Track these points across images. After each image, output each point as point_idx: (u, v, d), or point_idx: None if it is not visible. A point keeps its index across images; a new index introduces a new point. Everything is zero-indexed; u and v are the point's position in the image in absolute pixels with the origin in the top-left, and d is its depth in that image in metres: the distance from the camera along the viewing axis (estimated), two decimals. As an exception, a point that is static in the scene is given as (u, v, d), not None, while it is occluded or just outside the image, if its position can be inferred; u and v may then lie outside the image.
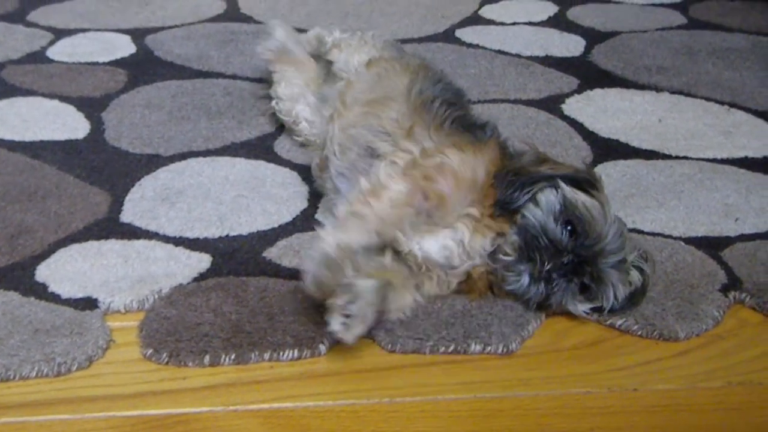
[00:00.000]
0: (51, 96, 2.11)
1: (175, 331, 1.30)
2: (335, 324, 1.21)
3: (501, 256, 1.36)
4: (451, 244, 1.38)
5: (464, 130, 1.50)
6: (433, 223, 1.37)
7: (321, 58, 1.98)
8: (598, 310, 1.35)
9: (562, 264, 1.32)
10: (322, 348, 1.29)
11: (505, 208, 1.37)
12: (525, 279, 1.34)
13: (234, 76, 2.25)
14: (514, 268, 1.35)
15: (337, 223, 1.36)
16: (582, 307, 1.35)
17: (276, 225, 1.60)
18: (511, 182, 1.37)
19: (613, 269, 1.32)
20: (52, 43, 2.47)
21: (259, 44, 2.03)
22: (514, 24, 2.76)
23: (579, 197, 1.34)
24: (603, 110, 2.13)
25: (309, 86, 1.90)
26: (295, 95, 1.90)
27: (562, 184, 1.35)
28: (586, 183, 1.38)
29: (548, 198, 1.35)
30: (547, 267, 1.32)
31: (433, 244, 1.37)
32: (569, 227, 1.32)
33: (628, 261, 1.34)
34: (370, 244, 1.32)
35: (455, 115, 1.54)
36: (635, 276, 1.36)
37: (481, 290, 1.40)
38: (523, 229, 1.34)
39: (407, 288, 1.36)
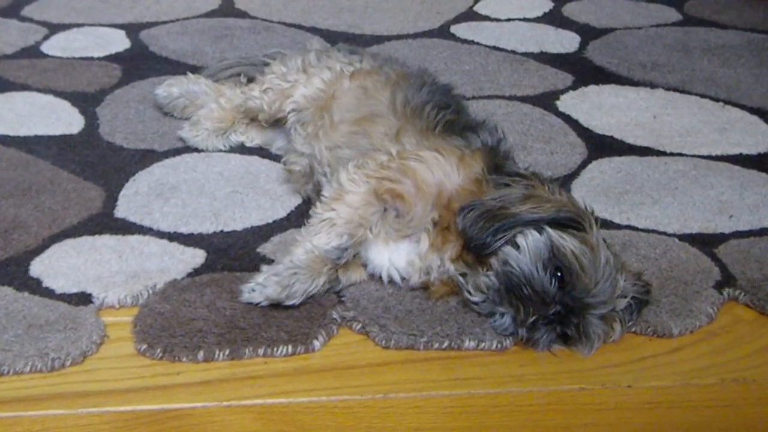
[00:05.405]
0: (45, 91, 2.10)
1: (169, 327, 1.30)
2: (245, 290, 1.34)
3: (469, 296, 1.33)
4: (404, 259, 1.39)
5: (455, 135, 1.47)
6: (402, 225, 1.37)
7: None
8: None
9: (548, 314, 1.27)
10: (317, 344, 1.29)
11: (477, 252, 1.32)
12: (507, 320, 1.30)
13: (229, 72, 2.25)
14: (494, 309, 1.31)
15: (308, 230, 1.40)
16: (554, 347, 1.30)
17: (270, 220, 1.60)
18: (485, 227, 1.30)
19: (600, 320, 1.27)
20: (46, 38, 2.47)
21: (182, 131, 1.88)
22: (509, 20, 2.77)
23: (567, 244, 1.27)
24: (598, 107, 2.13)
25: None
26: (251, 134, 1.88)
27: (548, 229, 1.28)
28: (573, 223, 1.30)
29: (534, 243, 1.28)
30: (532, 318, 1.27)
31: (384, 257, 1.40)
32: (558, 275, 1.26)
33: (615, 310, 1.29)
34: (341, 245, 1.36)
35: (447, 119, 1.52)
36: (618, 328, 1.30)
37: (443, 295, 1.39)
38: (505, 275, 1.28)
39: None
